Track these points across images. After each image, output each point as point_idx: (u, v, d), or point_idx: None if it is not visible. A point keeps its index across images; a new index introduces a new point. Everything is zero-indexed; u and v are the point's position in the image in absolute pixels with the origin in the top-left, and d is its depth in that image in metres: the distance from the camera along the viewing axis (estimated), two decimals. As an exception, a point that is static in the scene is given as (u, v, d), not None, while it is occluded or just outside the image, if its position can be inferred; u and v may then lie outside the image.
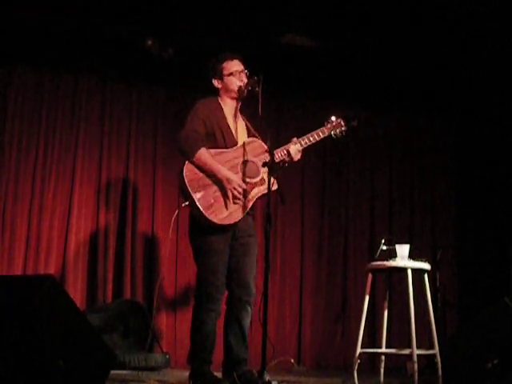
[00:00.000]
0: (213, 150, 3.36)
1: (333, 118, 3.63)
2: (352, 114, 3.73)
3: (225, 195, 3.29)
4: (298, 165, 5.58)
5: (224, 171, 3.30)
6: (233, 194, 3.28)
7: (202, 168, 3.30)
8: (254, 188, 3.37)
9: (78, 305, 3.82)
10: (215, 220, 3.24)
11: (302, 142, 3.52)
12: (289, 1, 4.76)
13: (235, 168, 3.36)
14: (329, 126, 3.61)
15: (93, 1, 4.78)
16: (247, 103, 3.58)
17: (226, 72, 3.50)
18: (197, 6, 4.80)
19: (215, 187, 3.30)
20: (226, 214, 3.26)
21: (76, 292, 5.06)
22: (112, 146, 5.49)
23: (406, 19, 4.91)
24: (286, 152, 3.45)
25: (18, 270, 5.00)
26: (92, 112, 5.49)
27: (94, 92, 5.52)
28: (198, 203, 3.23)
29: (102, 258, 5.23)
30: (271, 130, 3.29)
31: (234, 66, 3.51)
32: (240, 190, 3.30)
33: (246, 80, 3.47)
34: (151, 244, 5.42)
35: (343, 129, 3.64)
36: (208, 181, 3.29)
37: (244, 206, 3.33)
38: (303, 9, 4.81)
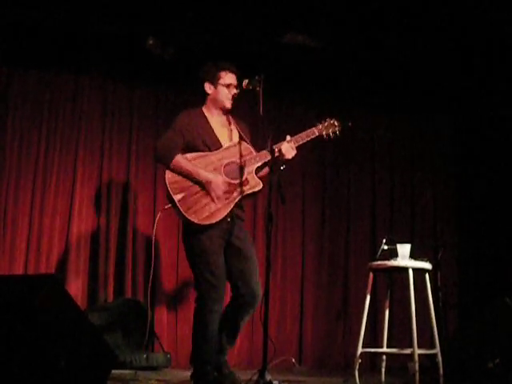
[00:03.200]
0: (189, 155, 3.41)
1: (327, 119, 3.65)
2: (348, 119, 3.76)
3: (206, 195, 3.34)
4: (298, 164, 5.68)
5: (203, 174, 3.35)
6: (216, 194, 3.33)
7: (181, 173, 3.36)
8: (237, 188, 3.39)
9: (79, 304, 3.83)
10: (195, 220, 3.30)
11: (294, 141, 3.53)
12: (289, 0, 4.76)
13: (218, 170, 3.41)
14: (320, 126, 3.61)
15: (93, 0, 4.78)
16: (248, 102, 3.58)
17: (221, 81, 3.52)
18: (198, 5, 4.80)
19: (197, 188, 3.35)
20: (206, 214, 3.32)
21: (77, 291, 5.06)
22: (113, 145, 5.48)
23: (406, 18, 4.91)
24: (276, 150, 3.43)
25: (19, 270, 5.00)
26: (93, 112, 5.48)
27: (94, 92, 5.51)
28: (178, 205, 3.31)
29: (103, 257, 5.23)
30: (272, 128, 3.31)
31: (231, 79, 3.53)
32: (220, 191, 3.34)
33: (235, 92, 3.49)
34: (152, 243, 5.41)
35: (337, 129, 3.64)
36: (189, 183, 3.36)
37: (227, 206, 3.36)
38: (304, 8, 4.80)
